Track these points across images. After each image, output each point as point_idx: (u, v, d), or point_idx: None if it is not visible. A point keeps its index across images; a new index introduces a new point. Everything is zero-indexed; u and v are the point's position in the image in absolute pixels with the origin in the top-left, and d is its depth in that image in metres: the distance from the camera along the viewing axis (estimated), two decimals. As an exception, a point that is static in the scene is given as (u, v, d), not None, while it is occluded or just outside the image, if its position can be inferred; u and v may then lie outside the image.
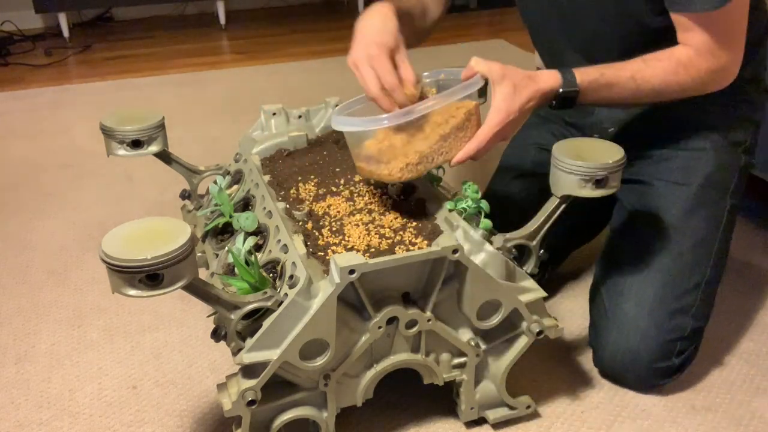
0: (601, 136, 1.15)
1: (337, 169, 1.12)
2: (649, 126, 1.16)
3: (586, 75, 0.97)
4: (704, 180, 1.10)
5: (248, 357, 0.80)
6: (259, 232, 0.98)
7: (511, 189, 1.26)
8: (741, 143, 1.14)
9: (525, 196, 1.23)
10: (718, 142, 1.12)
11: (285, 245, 0.89)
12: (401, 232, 0.93)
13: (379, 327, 0.86)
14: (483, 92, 1.24)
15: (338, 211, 0.99)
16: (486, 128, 0.92)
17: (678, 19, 0.99)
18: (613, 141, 1.16)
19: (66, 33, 3.10)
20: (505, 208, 1.22)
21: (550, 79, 0.96)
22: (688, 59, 0.99)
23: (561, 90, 0.96)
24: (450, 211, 0.96)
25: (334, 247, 0.91)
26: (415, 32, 1.12)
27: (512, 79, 0.92)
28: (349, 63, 0.95)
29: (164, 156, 1.15)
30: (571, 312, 1.27)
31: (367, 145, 0.95)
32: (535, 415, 1.03)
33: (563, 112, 1.10)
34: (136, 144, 1.09)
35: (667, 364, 1.03)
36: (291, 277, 0.82)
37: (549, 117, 1.29)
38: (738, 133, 1.14)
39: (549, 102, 0.97)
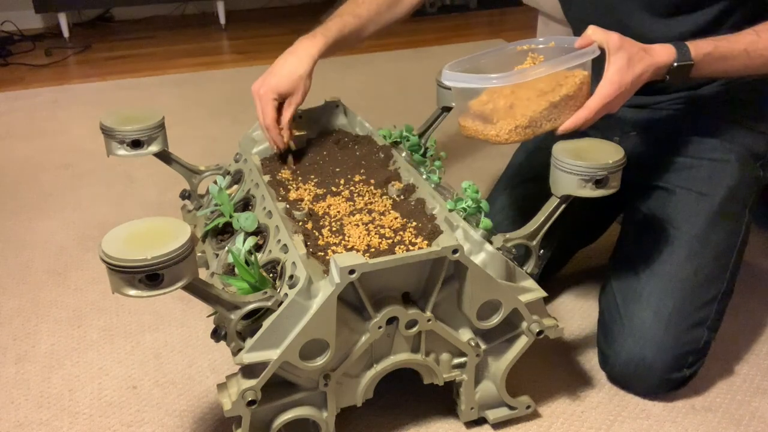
0: (621, 140, 1.15)
1: (337, 169, 1.12)
2: (674, 132, 1.15)
3: (700, 48, 0.95)
4: (728, 192, 1.09)
5: (248, 357, 0.80)
6: (259, 232, 0.98)
7: (520, 192, 1.25)
8: (762, 156, 1.14)
9: (534, 199, 1.23)
10: (742, 155, 1.11)
11: (285, 245, 0.89)
12: (401, 232, 0.93)
13: (379, 327, 0.86)
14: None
15: (338, 211, 0.99)
16: (597, 98, 0.91)
17: None
18: (636, 145, 1.16)
19: (66, 33, 3.10)
20: (513, 211, 1.22)
21: (664, 52, 0.93)
22: None
23: (675, 64, 0.94)
24: (450, 211, 0.96)
25: (334, 247, 0.91)
26: (378, 28, 1.22)
27: (628, 51, 0.90)
28: (252, 90, 1.12)
29: (164, 156, 1.14)
30: (571, 312, 1.27)
31: (474, 103, 0.94)
32: (535, 415, 1.03)
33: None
34: (136, 144, 1.09)
35: (679, 375, 1.04)
36: (291, 277, 0.82)
37: None
38: (761, 147, 1.13)
39: (662, 76, 0.95)
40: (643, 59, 0.92)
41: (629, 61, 0.90)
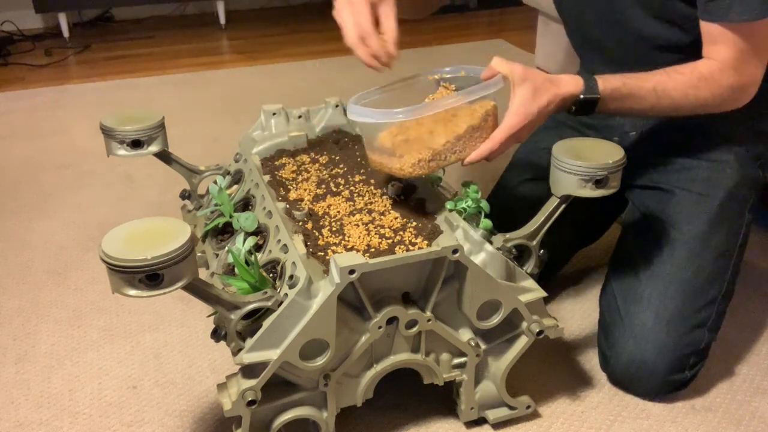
0: (621, 141, 1.15)
1: (337, 169, 1.12)
2: (673, 133, 1.15)
3: (608, 83, 0.96)
4: (727, 193, 1.09)
5: (248, 357, 0.80)
6: (259, 232, 0.98)
7: (521, 192, 1.25)
8: (761, 157, 1.14)
9: (534, 199, 1.23)
10: (741, 155, 1.11)
11: (285, 245, 0.89)
12: (401, 232, 0.93)
13: (379, 327, 0.86)
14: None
15: (338, 211, 0.99)
16: (502, 130, 0.91)
17: (707, 29, 0.98)
18: (635, 146, 1.16)
19: (66, 33, 3.10)
20: (514, 211, 1.22)
21: (571, 83, 0.95)
22: (710, 74, 0.98)
23: (582, 96, 0.95)
24: (450, 211, 0.96)
25: (334, 247, 0.91)
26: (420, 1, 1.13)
27: (533, 82, 0.91)
28: (334, 14, 0.92)
29: (164, 156, 1.15)
30: (571, 312, 1.27)
31: (380, 137, 0.95)
32: (535, 415, 1.03)
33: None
34: (136, 144, 1.09)
35: (680, 377, 1.04)
36: (291, 277, 0.82)
37: (564, 121, 1.28)
38: (759, 147, 1.13)
39: (568, 107, 0.97)
40: (549, 90, 0.92)
41: (534, 92, 0.91)
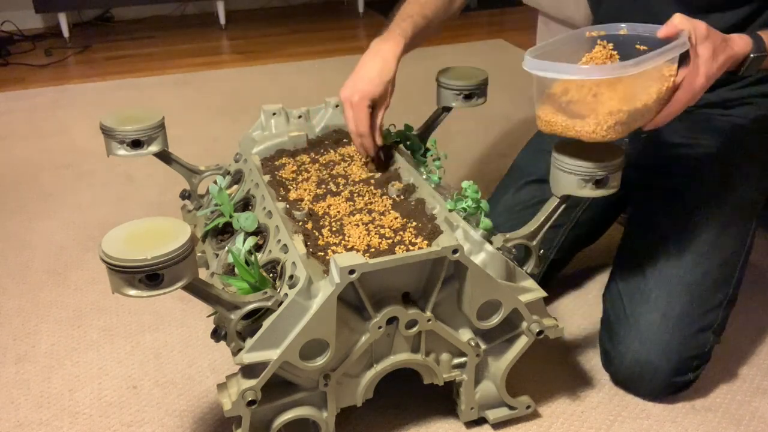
0: (631, 141, 1.15)
1: (337, 169, 1.12)
2: (685, 135, 1.14)
3: None
4: (739, 199, 1.09)
5: (248, 357, 0.80)
6: (259, 232, 0.98)
7: (522, 194, 1.25)
8: None
9: (535, 200, 1.22)
10: (752, 166, 1.11)
11: (285, 245, 0.89)
12: (401, 232, 0.93)
13: (379, 327, 0.86)
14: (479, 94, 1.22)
15: (338, 211, 0.99)
16: (687, 92, 0.87)
17: None
18: (647, 146, 1.15)
19: (66, 33, 3.10)
20: (514, 211, 1.22)
21: (742, 43, 0.91)
22: None
23: (752, 55, 0.91)
24: (450, 211, 0.96)
25: (334, 247, 0.91)
26: (438, 26, 1.19)
27: (713, 41, 0.87)
28: (339, 95, 1.06)
29: (164, 156, 1.14)
30: (571, 312, 1.27)
31: (559, 94, 0.88)
32: (535, 415, 1.03)
33: None
34: (136, 144, 1.09)
35: (683, 379, 1.04)
36: (291, 277, 0.82)
37: None
38: None
39: (737, 67, 0.92)
40: (725, 50, 0.88)
41: (714, 51, 0.86)
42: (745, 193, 1.09)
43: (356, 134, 1.06)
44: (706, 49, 0.86)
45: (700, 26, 0.86)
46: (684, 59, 0.86)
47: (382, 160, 1.12)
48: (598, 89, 0.85)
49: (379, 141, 1.08)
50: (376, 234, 0.93)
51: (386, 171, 1.11)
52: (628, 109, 0.85)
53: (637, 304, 1.05)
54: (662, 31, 0.87)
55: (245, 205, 1.07)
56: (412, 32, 1.10)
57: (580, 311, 1.27)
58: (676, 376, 1.02)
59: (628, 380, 1.06)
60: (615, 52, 0.90)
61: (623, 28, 0.93)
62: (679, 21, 0.86)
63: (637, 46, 0.90)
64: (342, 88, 1.05)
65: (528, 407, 1.01)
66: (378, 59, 1.06)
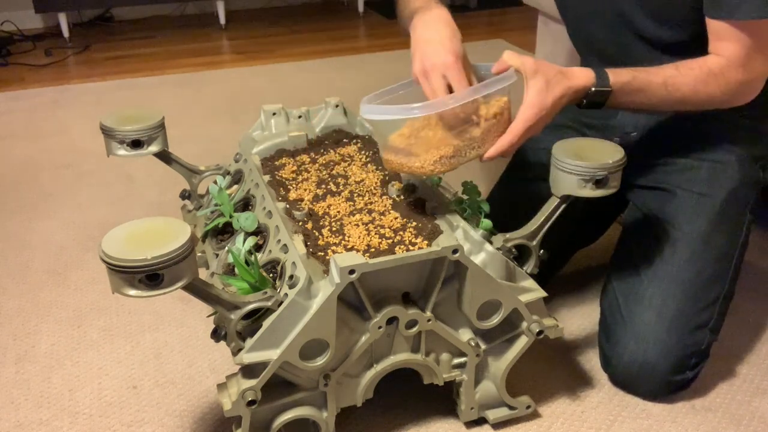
0: (622, 141, 1.15)
1: (337, 169, 1.12)
2: (675, 133, 1.14)
3: (619, 76, 0.95)
4: (728, 194, 1.09)
5: (248, 357, 0.80)
6: (259, 232, 0.98)
7: (520, 193, 1.25)
8: (762, 158, 1.14)
9: (534, 200, 1.22)
10: (743, 156, 1.11)
11: (285, 245, 0.89)
12: (401, 232, 0.93)
13: (379, 327, 0.86)
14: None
15: (338, 211, 0.99)
16: (519, 123, 0.90)
17: (714, 26, 0.98)
18: (636, 146, 1.15)
19: (66, 33, 3.10)
20: (513, 212, 1.22)
21: (583, 76, 0.94)
22: (720, 69, 0.98)
23: (593, 89, 0.94)
24: (451, 210, 0.96)
25: (334, 247, 0.91)
26: None
27: (545, 74, 0.90)
28: (417, 71, 0.94)
29: (164, 156, 1.14)
30: (571, 312, 1.27)
31: (395, 137, 0.94)
32: (535, 415, 1.03)
33: (588, 113, 1.07)
34: (136, 144, 1.09)
35: (681, 377, 1.04)
36: (291, 277, 0.82)
37: (564, 122, 1.27)
38: (761, 148, 1.13)
39: (579, 100, 0.96)
40: (561, 82, 0.91)
41: (547, 83, 0.90)
42: (736, 187, 1.09)
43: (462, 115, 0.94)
44: (537, 82, 0.90)
45: (528, 61, 0.91)
46: None
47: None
48: (426, 126, 0.91)
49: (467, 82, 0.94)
50: (376, 234, 0.93)
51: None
52: (451, 144, 0.90)
53: (632, 304, 1.06)
54: (495, 67, 0.94)
55: (245, 205, 1.07)
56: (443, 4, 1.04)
57: (579, 311, 1.27)
58: (674, 374, 1.02)
59: (627, 380, 1.06)
60: None
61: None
62: (506, 57, 0.92)
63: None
64: (418, 62, 0.94)
65: (528, 407, 1.01)
66: (440, 23, 0.97)
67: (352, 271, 0.78)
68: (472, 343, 0.93)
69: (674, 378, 1.03)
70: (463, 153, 0.91)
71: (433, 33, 0.95)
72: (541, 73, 0.90)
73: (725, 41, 0.97)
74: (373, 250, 0.89)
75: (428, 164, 0.90)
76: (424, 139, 0.91)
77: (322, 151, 1.18)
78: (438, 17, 0.98)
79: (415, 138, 0.92)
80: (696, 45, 1.01)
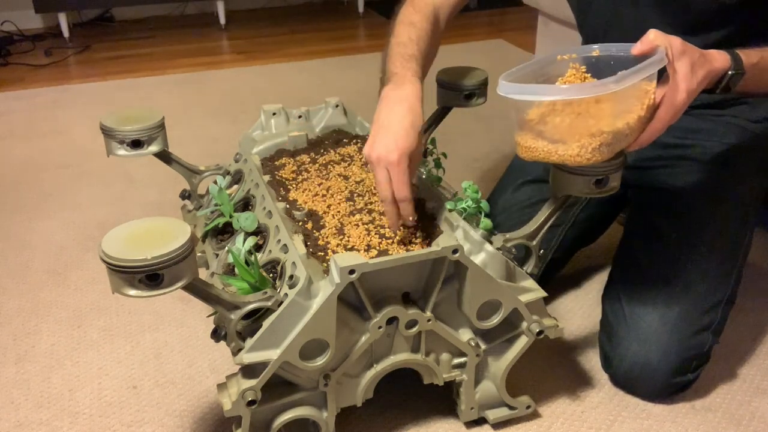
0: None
1: (337, 169, 1.12)
2: (677, 134, 1.14)
3: (749, 57, 0.90)
4: (736, 198, 1.08)
5: (248, 357, 0.80)
6: (259, 232, 0.98)
7: (521, 194, 1.25)
8: (766, 160, 1.13)
9: (534, 200, 1.22)
10: (749, 162, 1.11)
11: (285, 245, 0.89)
12: (401, 232, 0.93)
13: (379, 327, 0.86)
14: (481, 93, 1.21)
15: (338, 211, 0.99)
16: (669, 109, 0.83)
17: None
18: (644, 148, 1.15)
19: (66, 33, 3.10)
20: (514, 211, 1.22)
21: (720, 58, 0.88)
22: None
23: (731, 72, 0.88)
24: (450, 211, 0.96)
25: (334, 247, 0.91)
26: (433, 55, 1.10)
27: (691, 56, 0.84)
28: (366, 153, 0.88)
29: (164, 156, 1.15)
30: (571, 312, 1.27)
31: (535, 119, 0.83)
32: (535, 415, 1.03)
33: None
34: (136, 144, 1.09)
35: (682, 379, 1.04)
36: (291, 277, 0.82)
37: None
38: (765, 150, 1.13)
39: (714, 84, 0.90)
40: (704, 65, 0.85)
41: (692, 66, 0.84)
42: (742, 193, 1.09)
43: (393, 201, 0.88)
44: (683, 64, 0.83)
45: (675, 41, 0.83)
46: (661, 76, 0.84)
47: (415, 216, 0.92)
48: (578, 111, 0.81)
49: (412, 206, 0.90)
50: (376, 234, 0.93)
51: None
52: (611, 130, 0.81)
53: (635, 305, 1.05)
54: (637, 47, 0.85)
55: (245, 205, 1.07)
56: (422, 72, 1.00)
57: (580, 311, 1.27)
58: (675, 376, 1.02)
59: (628, 381, 1.06)
60: (588, 75, 0.87)
61: (595, 50, 0.90)
62: (654, 36, 0.84)
63: (612, 66, 0.87)
64: (369, 147, 0.88)
65: (528, 407, 1.01)
66: (404, 107, 0.90)
67: (352, 271, 0.78)
68: (472, 343, 0.93)
69: (675, 380, 1.03)
70: (619, 140, 0.83)
71: (392, 119, 0.89)
72: (688, 55, 0.83)
73: None
74: (373, 250, 0.89)
75: (586, 152, 0.82)
76: (577, 124, 0.81)
77: (322, 151, 1.18)
78: (405, 99, 0.90)
79: (563, 120, 0.81)
80: (730, 46, 1.00)
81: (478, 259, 0.88)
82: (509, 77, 0.85)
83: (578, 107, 0.81)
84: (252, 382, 0.81)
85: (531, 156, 0.86)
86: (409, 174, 0.88)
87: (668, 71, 0.83)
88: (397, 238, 0.92)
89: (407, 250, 0.88)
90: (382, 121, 0.89)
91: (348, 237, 0.93)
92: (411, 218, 0.90)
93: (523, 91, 0.81)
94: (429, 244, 0.90)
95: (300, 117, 1.23)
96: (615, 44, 0.88)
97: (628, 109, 0.82)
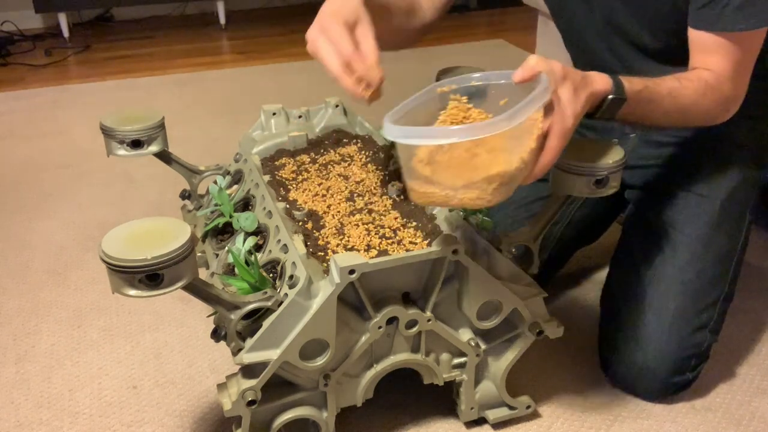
0: (620, 142, 1.15)
1: (337, 169, 1.12)
2: (673, 134, 1.14)
3: (632, 84, 0.87)
4: (728, 195, 1.08)
5: (248, 357, 0.80)
6: (259, 232, 0.98)
7: (521, 193, 1.25)
8: (761, 158, 1.13)
9: (531, 200, 1.22)
10: (742, 157, 1.11)
11: (285, 245, 0.89)
12: (401, 232, 0.93)
13: (379, 327, 0.86)
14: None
15: (338, 211, 0.99)
16: (558, 137, 0.78)
17: (699, 38, 0.94)
18: (635, 146, 1.15)
19: (66, 33, 3.10)
20: (514, 211, 1.22)
21: (601, 81, 0.84)
22: (715, 83, 0.93)
23: (610, 96, 0.85)
24: (450, 211, 0.96)
25: (334, 247, 0.91)
26: (393, 30, 1.00)
27: (573, 80, 0.80)
28: (308, 48, 0.82)
29: (164, 156, 1.14)
30: (571, 312, 1.27)
31: (427, 162, 0.75)
32: (535, 415, 1.03)
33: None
34: (136, 144, 1.09)
35: (682, 378, 1.04)
36: (291, 277, 0.82)
37: None
38: (759, 148, 1.13)
39: (594, 108, 0.86)
40: (585, 87, 0.82)
41: (575, 90, 0.80)
42: (737, 189, 1.09)
43: (342, 67, 0.80)
44: (566, 89, 0.79)
45: (556, 66, 0.79)
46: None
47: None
48: (471, 150, 0.74)
49: (377, 70, 0.82)
50: (376, 234, 0.93)
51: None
52: (508, 169, 0.74)
53: (632, 305, 1.05)
54: (518, 74, 0.80)
55: (245, 205, 1.07)
56: None
57: (580, 311, 1.27)
58: (674, 375, 1.02)
59: (627, 382, 1.06)
60: (471, 106, 0.82)
61: (473, 79, 0.84)
62: (535, 63, 0.79)
63: (493, 95, 0.82)
64: (308, 31, 0.83)
65: (528, 407, 1.01)
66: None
67: (352, 271, 0.78)
68: (472, 343, 0.93)
69: (674, 379, 1.03)
70: (516, 177, 0.76)
71: (325, 5, 0.84)
72: (570, 79, 0.80)
73: (712, 55, 0.93)
74: (373, 250, 0.89)
75: (487, 194, 0.74)
76: (472, 165, 0.74)
77: (322, 151, 1.18)
78: None
79: (454, 162, 0.75)
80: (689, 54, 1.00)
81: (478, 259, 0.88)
82: (393, 117, 0.78)
83: (471, 147, 0.74)
84: (252, 382, 0.81)
85: (427, 201, 0.77)
86: (364, 38, 0.81)
87: (552, 98, 0.78)
88: (397, 238, 0.93)
89: (407, 250, 0.88)
90: (318, 14, 0.84)
91: (348, 237, 0.93)
92: (373, 79, 0.81)
93: (411, 134, 0.73)
94: (429, 244, 0.90)
95: (300, 117, 1.23)
96: (494, 72, 0.84)
97: (521, 143, 0.76)
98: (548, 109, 0.77)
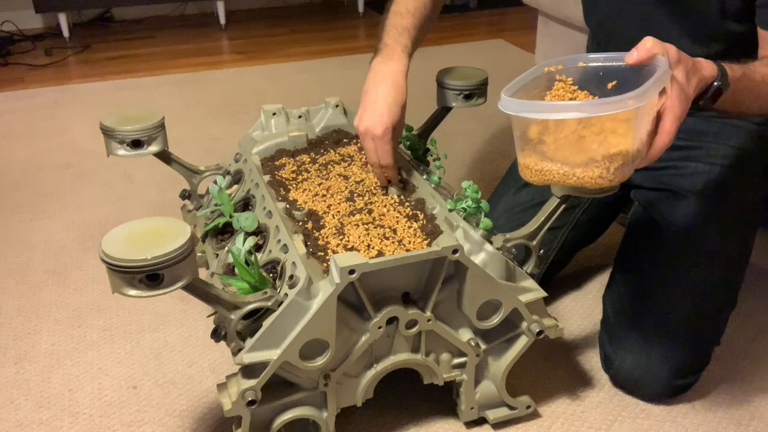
0: None
1: (337, 169, 1.12)
2: (682, 136, 1.14)
3: (733, 72, 0.86)
4: (740, 202, 1.08)
5: (248, 357, 0.80)
6: (259, 232, 0.98)
7: (522, 195, 1.24)
8: None
9: (535, 203, 1.22)
10: (754, 163, 1.11)
11: (285, 245, 0.89)
12: (401, 232, 0.93)
13: (379, 327, 0.86)
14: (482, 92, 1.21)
15: (338, 211, 0.99)
16: (673, 120, 0.78)
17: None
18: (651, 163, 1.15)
19: (66, 33, 3.09)
20: (515, 213, 1.22)
21: (709, 68, 0.84)
22: None
23: (716, 83, 0.84)
24: (450, 211, 0.96)
25: (334, 247, 0.91)
26: (429, 28, 1.15)
27: (685, 64, 0.80)
28: (356, 125, 1.02)
29: (164, 156, 1.14)
30: (571, 312, 1.27)
31: (538, 139, 0.77)
32: (535, 415, 1.03)
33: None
34: (136, 144, 1.09)
35: (683, 382, 1.04)
36: (291, 277, 0.82)
37: None
38: None
39: (700, 95, 0.85)
40: (696, 73, 0.81)
41: (687, 74, 0.80)
42: (747, 197, 1.09)
43: (380, 167, 1.03)
44: (680, 72, 0.79)
45: (671, 49, 0.79)
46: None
47: (398, 178, 1.08)
48: (587, 128, 0.74)
49: (395, 170, 1.05)
50: (376, 234, 0.93)
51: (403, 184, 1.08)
52: (632, 147, 0.75)
53: (638, 307, 1.05)
54: (633, 56, 0.79)
55: (245, 205, 1.07)
56: (412, 47, 1.07)
57: (580, 311, 1.27)
58: (676, 379, 1.02)
59: (629, 383, 1.06)
60: (576, 87, 0.82)
61: (580, 59, 0.84)
62: (651, 45, 0.79)
63: (602, 77, 0.82)
64: (358, 119, 1.01)
65: (528, 407, 1.01)
66: (389, 83, 1.01)
67: (352, 271, 0.78)
68: (472, 343, 0.93)
69: (676, 382, 1.03)
70: (635, 157, 0.76)
71: (378, 95, 1.01)
72: (683, 63, 0.79)
73: None
74: (373, 250, 0.89)
75: (609, 173, 0.75)
76: (594, 143, 0.74)
77: (322, 151, 1.18)
78: (391, 75, 1.02)
79: (570, 139, 0.75)
80: (728, 59, 0.99)
81: (478, 259, 0.88)
82: (510, 91, 0.80)
83: (589, 125, 0.74)
84: (252, 382, 0.81)
85: (542, 179, 0.79)
86: (393, 143, 1.01)
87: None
88: (397, 238, 0.93)
89: (407, 250, 0.88)
90: (369, 96, 1.01)
91: (348, 237, 0.93)
92: (394, 179, 1.05)
93: (536, 108, 0.74)
94: (429, 244, 0.90)
95: (300, 117, 1.23)
96: (603, 54, 0.83)
97: (642, 123, 0.77)
98: (661, 92, 0.77)
